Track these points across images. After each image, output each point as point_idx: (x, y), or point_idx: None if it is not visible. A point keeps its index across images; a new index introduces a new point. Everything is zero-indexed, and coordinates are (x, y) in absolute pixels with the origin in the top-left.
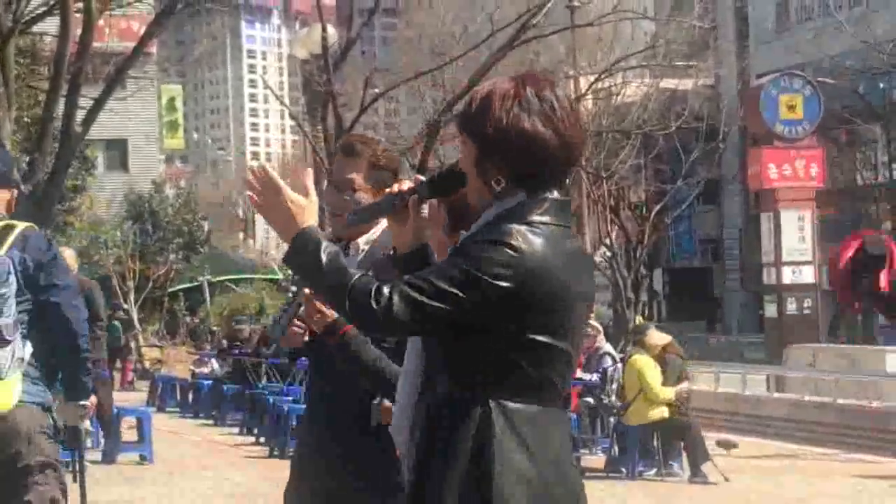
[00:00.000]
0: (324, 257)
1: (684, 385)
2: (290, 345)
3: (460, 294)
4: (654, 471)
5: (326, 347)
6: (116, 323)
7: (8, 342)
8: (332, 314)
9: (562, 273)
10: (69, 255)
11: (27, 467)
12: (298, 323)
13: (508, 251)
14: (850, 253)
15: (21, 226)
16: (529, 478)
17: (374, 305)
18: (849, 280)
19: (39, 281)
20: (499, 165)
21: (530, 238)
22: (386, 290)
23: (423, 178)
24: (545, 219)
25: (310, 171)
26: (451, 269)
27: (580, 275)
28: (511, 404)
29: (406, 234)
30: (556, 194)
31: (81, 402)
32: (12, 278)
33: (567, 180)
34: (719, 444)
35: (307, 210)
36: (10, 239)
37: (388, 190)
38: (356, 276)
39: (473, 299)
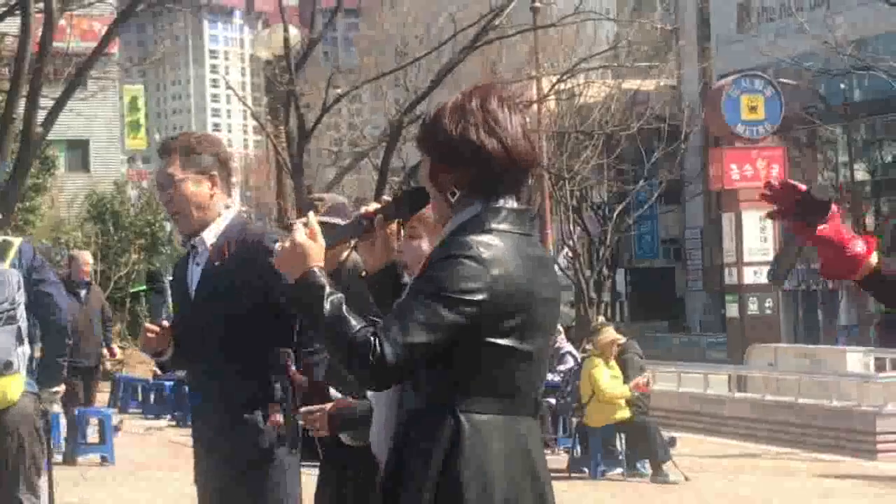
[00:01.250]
0: (327, 305)
1: (641, 378)
2: (149, 347)
3: (441, 321)
4: (619, 471)
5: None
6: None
7: (23, 342)
8: None
9: (525, 278)
10: (86, 257)
11: (25, 442)
12: (152, 328)
13: (472, 263)
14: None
15: (17, 241)
16: (500, 487)
17: (371, 359)
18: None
19: (32, 277)
20: (451, 177)
21: (491, 245)
22: (376, 341)
23: (388, 198)
24: (503, 226)
25: (312, 215)
26: (424, 298)
27: (543, 279)
28: (479, 416)
29: (376, 255)
30: (511, 202)
31: (54, 389)
32: (23, 290)
33: (523, 188)
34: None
35: (314, 252)
36: (12, 253)
37: (355, 213)
38: (357, 329)
39: (453, 321)
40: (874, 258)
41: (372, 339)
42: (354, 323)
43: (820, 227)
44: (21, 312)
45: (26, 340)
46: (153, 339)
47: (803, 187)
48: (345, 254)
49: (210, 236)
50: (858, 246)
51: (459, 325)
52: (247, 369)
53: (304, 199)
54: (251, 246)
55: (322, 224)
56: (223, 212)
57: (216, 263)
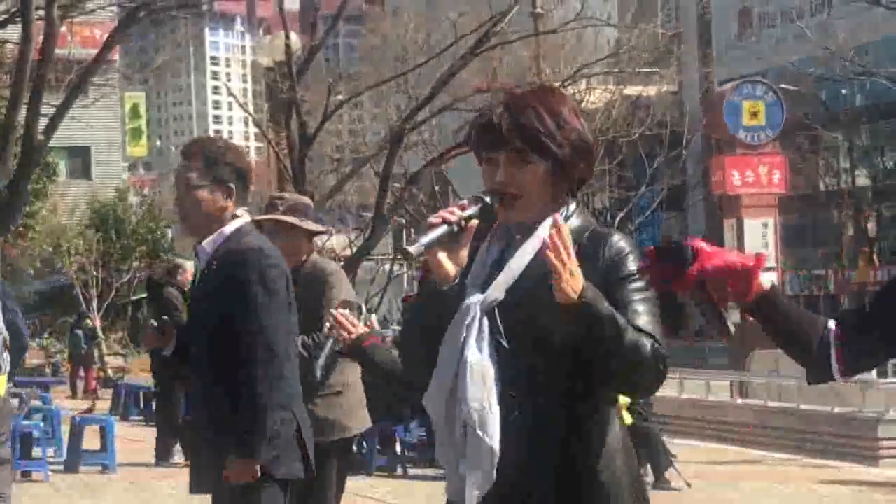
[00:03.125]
0: (619, 320)
1: None
2: (151, 345)
3: (658, 311)
4: None
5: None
6: (78, 332)
7: (6, 349)
8: (358, 331)
9: None
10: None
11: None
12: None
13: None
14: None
15: None
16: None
17: (662, 367)
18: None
19: (5, 303)
20: (571, 179)
21: (630, 238)
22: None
23: (465, 202)
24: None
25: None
26: (647, 299)
27: None
28: (610, 408)
29: (459, 261)
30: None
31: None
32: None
33: None
34: None
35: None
36: None
37: (433, 220)
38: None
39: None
40: (766, 281)
41: (655, 347)
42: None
43: (692, 269)
44: (2, 326)
45: (6, 350)
46: (154, 336)
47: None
48: (306, 253)
49: (210, 244)
50: (748, 259)
51: None
52: (231, 382)
53: (268, 196)
54: (236, 258)
55: (278, 222)
56: (231, 221)
57: (207, 273)
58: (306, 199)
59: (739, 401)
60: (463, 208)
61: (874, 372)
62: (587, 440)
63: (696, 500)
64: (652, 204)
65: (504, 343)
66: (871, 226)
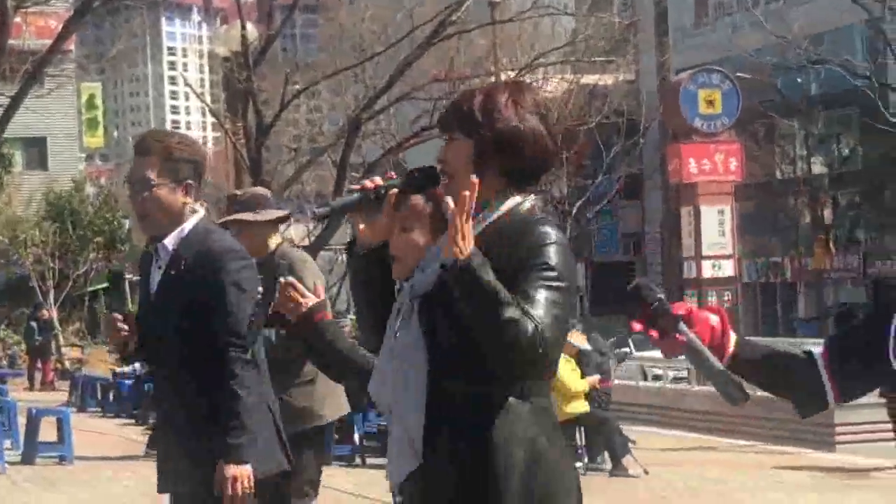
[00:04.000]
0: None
1: (592, 379)
2: (117, 339)
3: (568, 311)
4: (578, 465)
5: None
6: (33, 324)
7: None
8: (308, 302)
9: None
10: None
11: None
12: (124, 325)
13: (569, 251)
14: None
15: None
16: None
17: (541, 350)
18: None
19: None
20: (497, 163)
21: (561, 234)
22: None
23: (394, 174)
24: (548, 213)
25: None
26: (556, 290)
27: None
28: (539, 399)
29: (378, 229)
30: (535, 193)
31: None
32: None
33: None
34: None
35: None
36: None
37: (354, 186)
38: (520, 316)
39: (570, 310)
40: (732, 343)
41: (538, 329)
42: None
43: (679, 335)
44: None
45: None
46: (120, 330)
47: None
48: (274, 243)
49: (171, 242)
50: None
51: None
52: (207, 380)
53: (226, 196)
54: (208, 259)
55: (239, 222)
56: (189, 217)
57: (172, 273)
58: (262, 190)
59: (697, 388)
60: (390, 178)
61: None
62: (490, 428)
63: (654, 486)
64: (609, 192)
65: (429, 328)
66: (828, 213)
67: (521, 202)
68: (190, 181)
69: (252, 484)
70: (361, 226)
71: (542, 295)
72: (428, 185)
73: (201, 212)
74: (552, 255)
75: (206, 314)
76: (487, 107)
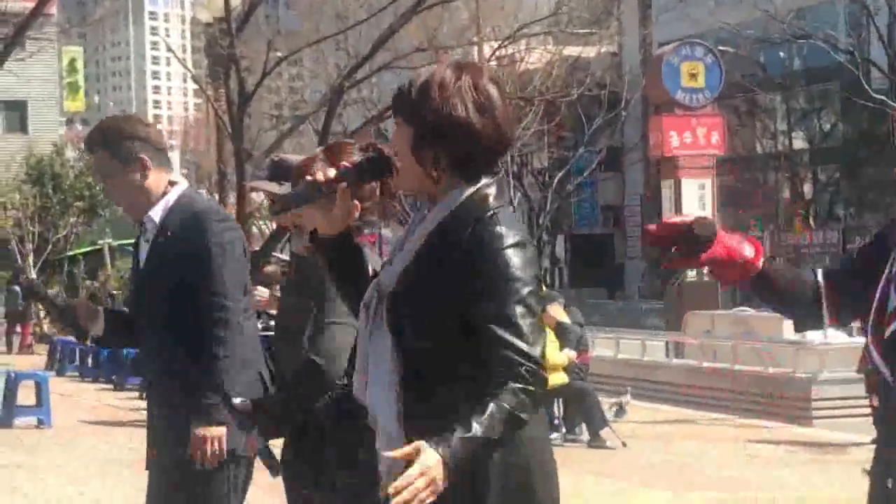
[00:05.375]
0: (480, 434)
1: (570, 353)
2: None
3: (537, 313)
4: (556, 436)
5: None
6: (15, 288)
7: None
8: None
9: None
10: None
11: None
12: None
13: (530, 247)
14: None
15: None
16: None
17: (536, 390)
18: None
19: None
20: (435, 151)
21: (521, 225)
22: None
23: (348, 165)
24: (503, 202)
25: None
26: (518, 299)
27: None
28: None
29: (334, 220)
30: (489, 179)
31: None
32: None
33: (497, 165)
34: (611, 406)
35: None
36: None
37: (308, 177)
38: (507, 406)
39: (537, 304)
40: (760, 262)
41: (517, 386)
42: (494, 407)
43: (704, 255)
44: None
45: None
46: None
47: (685, 222)
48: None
49: (157, 214)
50: (747, 250)
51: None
52: (195, 349)
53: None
54: (192, 223)
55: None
56: (169, 189)
57: (160, 240)
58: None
59: (674, 361)
60: (343, 168)
61: (808, 333)
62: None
63: (630, 459)
64: (590, 165)
65: (396, 328)
66: (808, 188)
67: (470, 193)
68: (142, 155)
69: (224, 445)
70: (312, 213)
71: (513, 311)
72: (380, 175)
73: (184, 182)
74: (511, 258)
75: (190, 276)
76: (427, 91)
